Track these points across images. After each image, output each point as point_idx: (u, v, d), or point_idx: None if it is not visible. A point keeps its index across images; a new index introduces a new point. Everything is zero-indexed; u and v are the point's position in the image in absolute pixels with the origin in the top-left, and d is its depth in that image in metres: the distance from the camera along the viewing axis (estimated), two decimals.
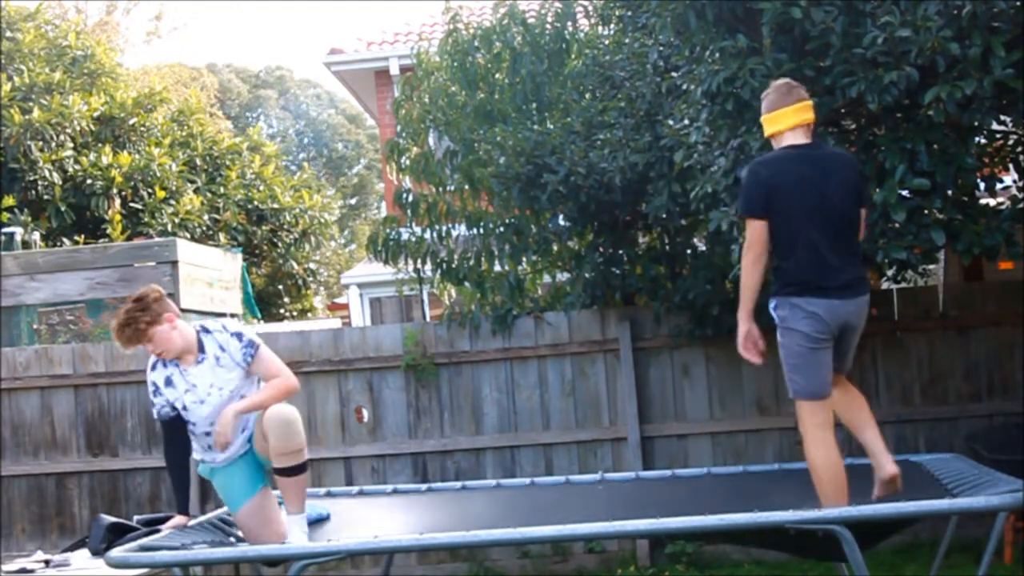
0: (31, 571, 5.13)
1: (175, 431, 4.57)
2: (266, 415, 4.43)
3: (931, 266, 7.97)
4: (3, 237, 9.76)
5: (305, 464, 4.49)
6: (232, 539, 4.69)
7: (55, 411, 7.73)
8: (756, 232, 4.29)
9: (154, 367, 4.56)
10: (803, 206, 4.25)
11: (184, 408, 4.54)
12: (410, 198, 8.19)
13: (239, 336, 4.57)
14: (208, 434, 4.56)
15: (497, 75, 8.47)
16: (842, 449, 4.39)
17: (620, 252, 7.62)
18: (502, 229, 7.89)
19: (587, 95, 7.89)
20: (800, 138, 4.38)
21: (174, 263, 8.73)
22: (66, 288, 8.74)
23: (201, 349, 4.53)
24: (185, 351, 4.52)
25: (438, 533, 4.32)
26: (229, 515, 4.78)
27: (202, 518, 4.94)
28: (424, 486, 5.76)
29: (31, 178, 11.37)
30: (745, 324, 4.33)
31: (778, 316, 4.35)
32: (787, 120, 4.36)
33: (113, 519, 5.54)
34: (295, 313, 14.67)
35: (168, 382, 4.53)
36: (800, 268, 4.27)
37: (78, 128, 11.97)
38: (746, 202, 4.34)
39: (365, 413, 7.66)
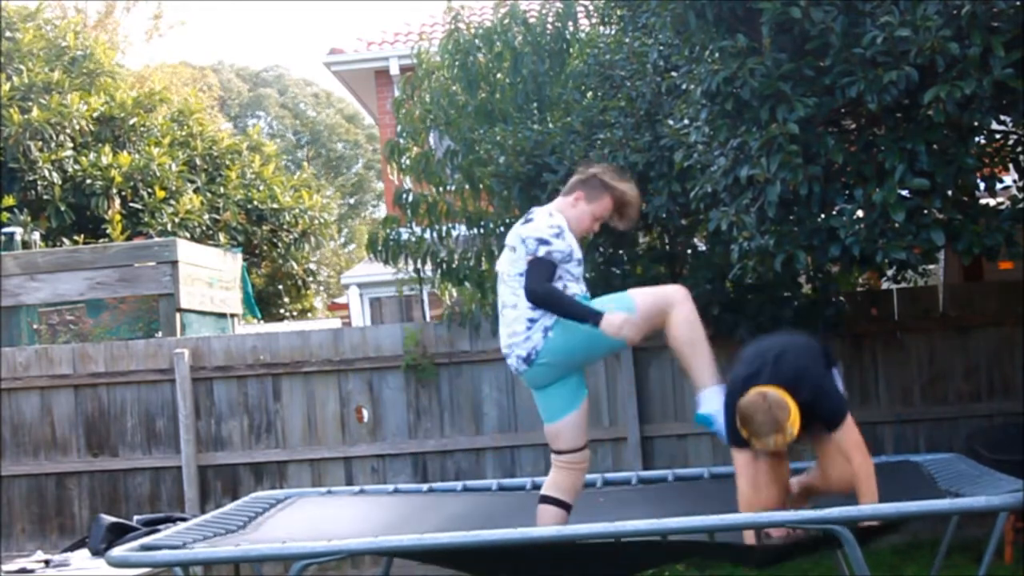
0: (31, 571, 5.14)
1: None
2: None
3: (931, 266, 7.97)
4: (3, 237, 9.77)
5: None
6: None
7: (55, 411, 7.73)
8: None
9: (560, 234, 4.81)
10: None
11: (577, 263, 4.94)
12: (410, 198, 8.18)
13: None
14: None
15: (498, 75, 8.46)
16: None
17: (620, 252, 7.61)
18: (502, 229, 7.88)
19: (588, 95, 7.89)
20: None
21: (174, 263, 8.74)
22: (66, 288, 8.75)
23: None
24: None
25: (439, 533, 4.31)
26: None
27: (204, 517, 4.94)
28: (425, 486, 5.76)
29: (31, 178, 11.37)
30: None
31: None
32: None
33: (113, 519, 5.56)
34: (295, 313, 14.66)
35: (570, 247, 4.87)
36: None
37: (77, 128, 11.96)
38: None
39: (365, 413, 7.67)
